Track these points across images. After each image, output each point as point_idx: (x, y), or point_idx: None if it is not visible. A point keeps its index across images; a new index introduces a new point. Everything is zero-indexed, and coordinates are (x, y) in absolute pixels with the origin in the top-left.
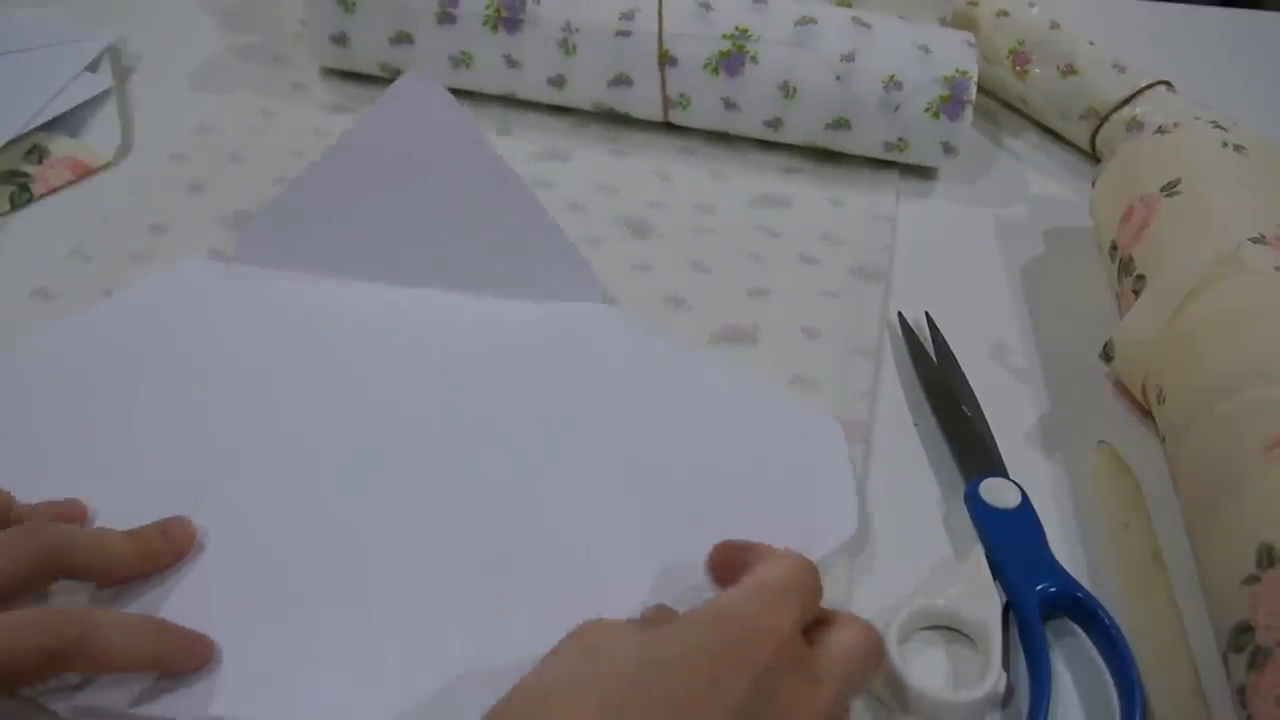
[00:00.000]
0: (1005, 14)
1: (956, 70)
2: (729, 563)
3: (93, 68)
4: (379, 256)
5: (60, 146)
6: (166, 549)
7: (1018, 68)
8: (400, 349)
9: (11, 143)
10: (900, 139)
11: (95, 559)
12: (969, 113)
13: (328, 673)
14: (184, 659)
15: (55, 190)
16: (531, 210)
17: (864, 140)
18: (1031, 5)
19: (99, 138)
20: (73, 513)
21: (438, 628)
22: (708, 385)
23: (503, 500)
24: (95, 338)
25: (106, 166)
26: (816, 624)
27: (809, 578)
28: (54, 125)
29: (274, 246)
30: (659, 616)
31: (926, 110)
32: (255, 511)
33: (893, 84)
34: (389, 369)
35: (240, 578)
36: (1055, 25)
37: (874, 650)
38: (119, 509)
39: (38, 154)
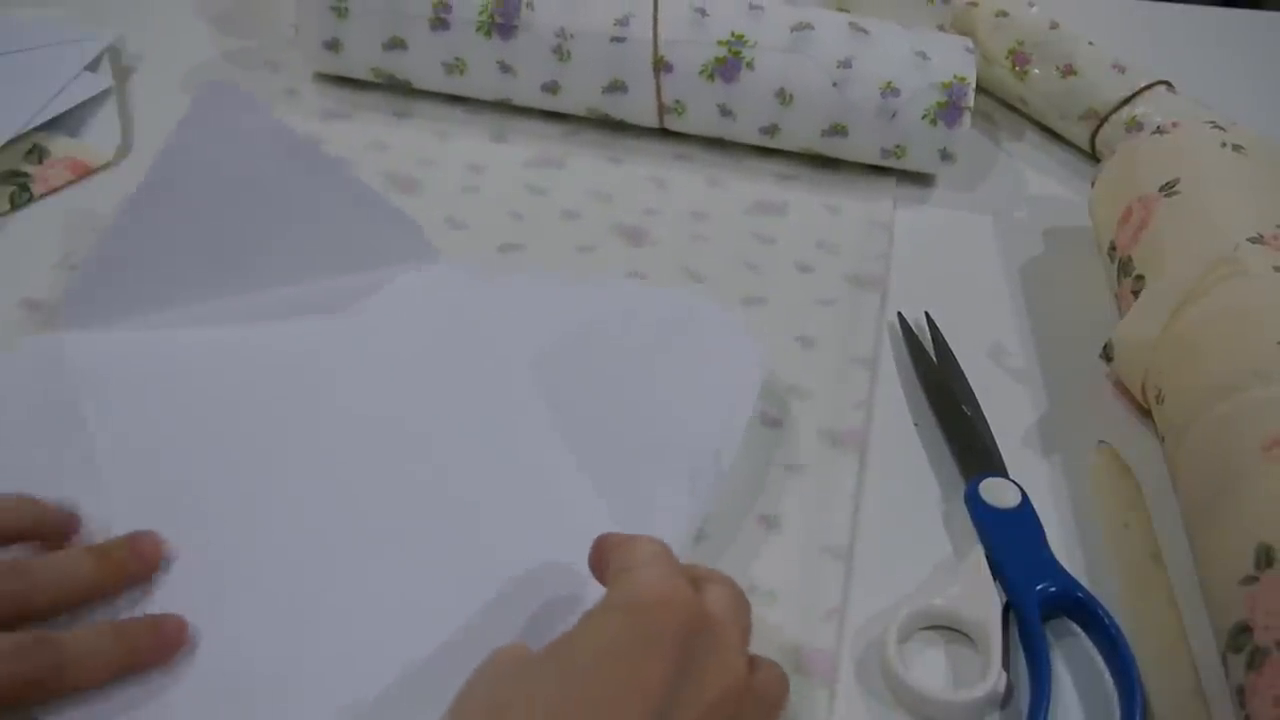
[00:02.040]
0: (1004, 14)
1: (954, 76)
2: (599, 560)
3: (93, 68)
4: (220, 276)
5: (60, 146)
6: (135, 564)
7: (1017, 68)
8: (280, 360)
9: (11, 143)
10: (898, 146)
11: (59, 594)
12: (967, 119)
13: (316, 672)
14: (149, 656)
15: (55, 190)
16: (354, 188)
17: (861, 147)
18: (1031, 5)
19: (99, 138)
20: (153, 550)
21: (424, 617)
22: (576, 307)
23: (448, 476)
24: None
25: (106, 166)
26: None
27: (667, 550)
28: (54, 125)
29: (105, 300)
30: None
31: (924, 117)
32: (214, 539)
33: (890, 90)
34: (280, 383)
35: (217, 589)
36: (1055, 25)
37: (740, 595)
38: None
39: (38, 154)
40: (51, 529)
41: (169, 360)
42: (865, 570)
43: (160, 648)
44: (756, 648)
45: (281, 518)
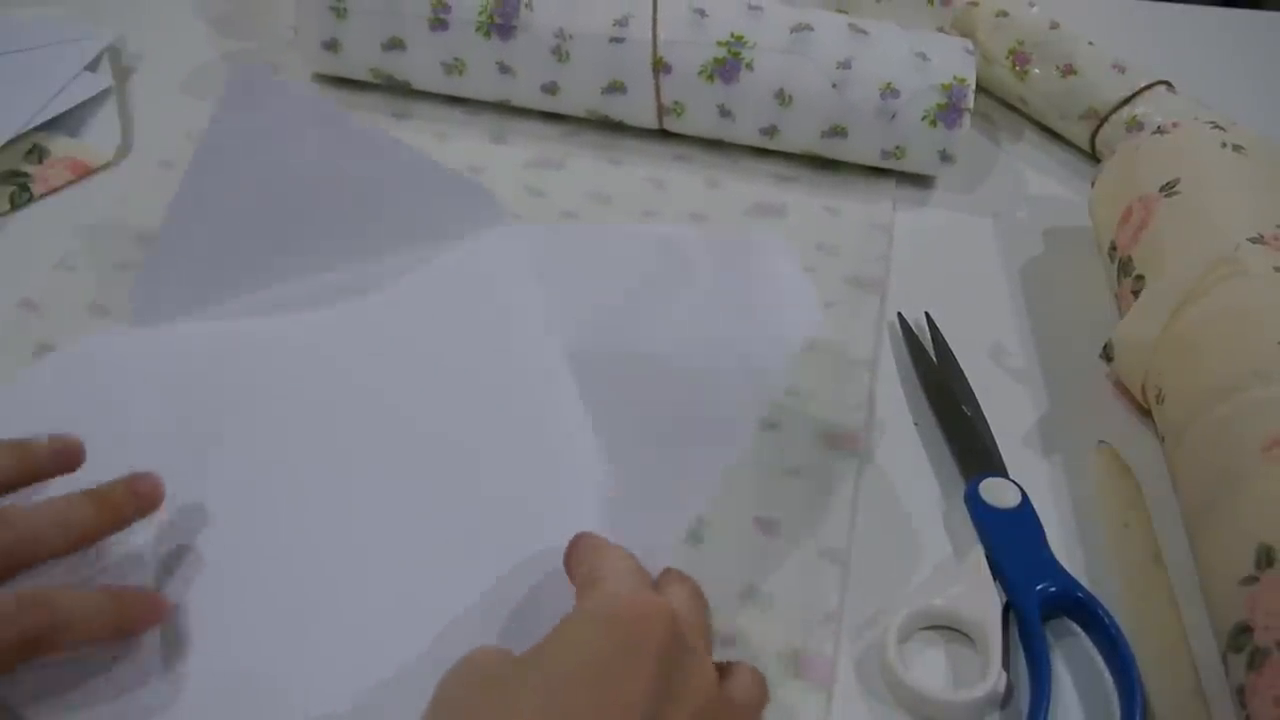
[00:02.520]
0: (1005, 14)
1: (954, 78)
2: (569, 559)
3: (93, 67)
4: (283, 259)
5: (60, 146)
6: (133, 505)
7: (1017, 68)
8: (352, 336)
9: (11, 143)
10: (897, 147)
11: (58, 540)
12: (967, 121)
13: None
14: (140, 621)
15: (55, 190)
16: (409, 158)
17: (860, 148)
18: (1031, 5)
19: (99, 138)
20: (151, 490)
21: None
22: (636, 255)
23: (507, 443)
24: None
25: (106, 166)
26: None
27: (636, 564)
28: (54, 125)
29: (172, 295)
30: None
31: (924, 118)
32: (256, 516)
33: (890, 92)
34: (354, 359)
35: (237, 575)
36: (1055, 25)
37: (698, 593)
38: None
39: (38, 154)
40: (45, 470)
41: (210, 351)
42: (865, 570)
43: (151, 610)
44: (755, 652)
45: (302, 509)
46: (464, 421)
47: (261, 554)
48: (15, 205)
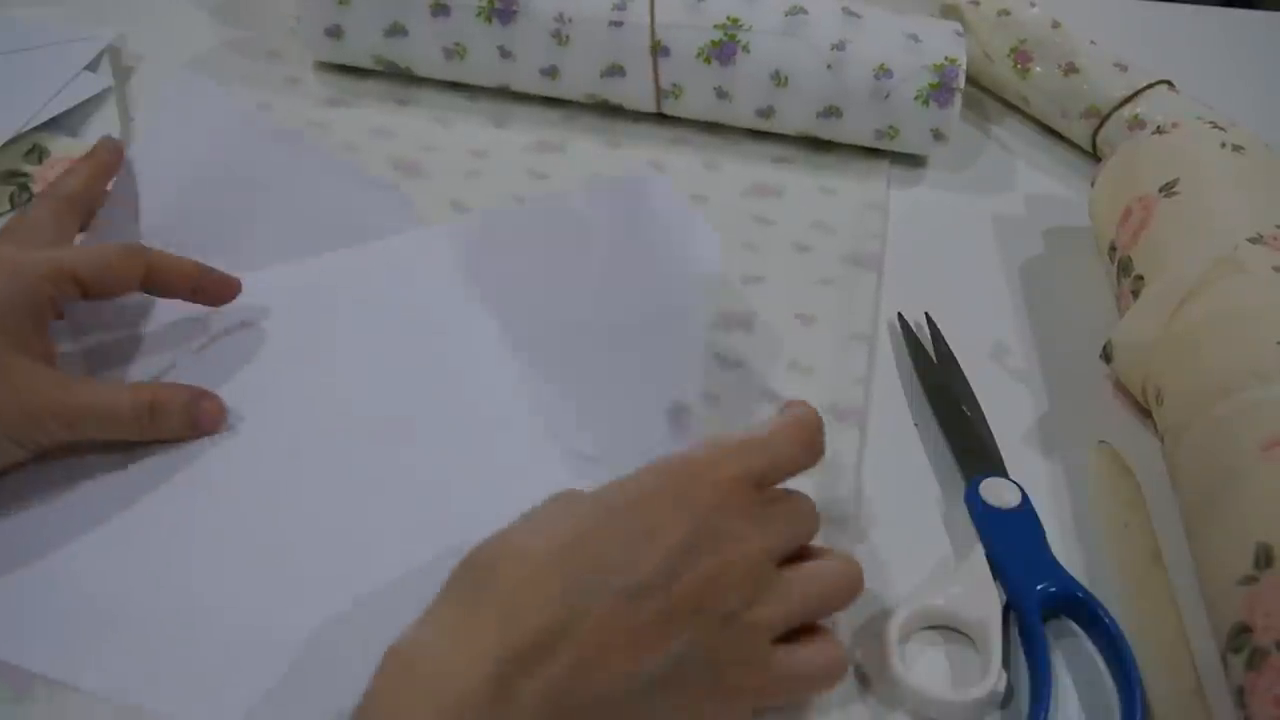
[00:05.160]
0: (1007, 13)
1: (945, 58)
2: None
3: (93, 67)
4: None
5: (60, 146)
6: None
7: (1019, 66)
8: (278, 335)
9: (11, 143)
10: (891, 126)
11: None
12: (958, 100)
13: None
14: (219, 288)
15: None
16: (328, 164)
17: (855, 128)
18: (1033, 4)
19: (99, 138)
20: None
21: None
22: (537, 233)
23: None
24: None
25: None
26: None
27: (770, 440)
28: (54, 125)
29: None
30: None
31: (916, 98)
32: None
33: (883, 72)
34: (280, 360)
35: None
36: (1056, 24)
37: (808, 515)
38: None
39: (38, 154)
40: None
41: None
42: (865, 570)
43: (223, 280)
44: None
45: (253, 494)
46: (410, 405)
47: (217, 530)
48: (15, 205)
